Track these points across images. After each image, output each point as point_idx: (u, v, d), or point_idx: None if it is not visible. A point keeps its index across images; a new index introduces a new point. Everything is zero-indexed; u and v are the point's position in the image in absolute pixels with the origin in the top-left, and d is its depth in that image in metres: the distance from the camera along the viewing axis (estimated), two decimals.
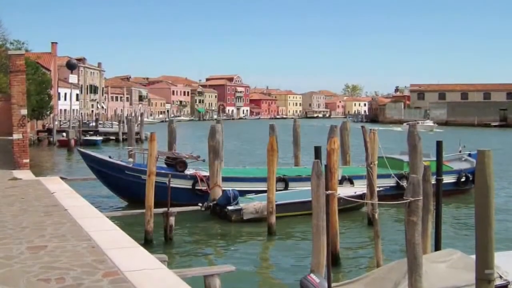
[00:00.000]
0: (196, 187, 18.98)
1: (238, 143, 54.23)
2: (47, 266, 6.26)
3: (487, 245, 6.84)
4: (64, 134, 50.30)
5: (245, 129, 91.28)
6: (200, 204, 17.02)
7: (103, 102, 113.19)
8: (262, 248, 14.70)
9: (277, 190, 16.47)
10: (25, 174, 15.51)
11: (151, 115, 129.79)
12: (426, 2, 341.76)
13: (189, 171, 19.72)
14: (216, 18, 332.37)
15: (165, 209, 14.75)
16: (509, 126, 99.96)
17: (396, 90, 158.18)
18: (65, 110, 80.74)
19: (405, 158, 18.80)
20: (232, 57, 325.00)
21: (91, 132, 57.01)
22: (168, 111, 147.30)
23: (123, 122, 58.41)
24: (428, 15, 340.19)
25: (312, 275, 8.41)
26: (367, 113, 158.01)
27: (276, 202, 15.63)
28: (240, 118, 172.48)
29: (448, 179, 19.94)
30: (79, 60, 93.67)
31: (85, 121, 68.02)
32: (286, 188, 19.45)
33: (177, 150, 23.05)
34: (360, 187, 18.64)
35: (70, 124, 54.45)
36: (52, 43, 77.74)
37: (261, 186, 17.69)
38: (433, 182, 9.95)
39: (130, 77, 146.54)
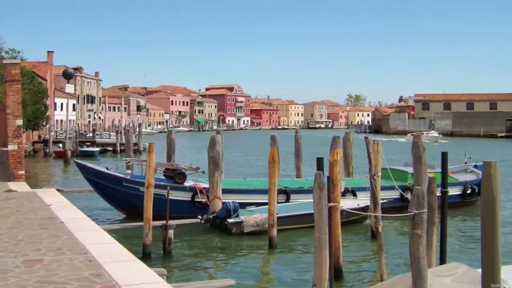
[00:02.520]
0: (196, 199, 18.78)
1: (238, 154, 54.12)
2: (43, 280, 6.20)
3: (494, 259, 6.77)
4: (61, 145, 50.08)
5: (245, 139, 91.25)
6: (199, 217, 16.82)
7: (101, 112, 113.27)
8: (263, 261, 14.49)
9: (278, 203, 16.27)
10: (20, 186, 15.40)
11: (149, 125, 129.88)
12: (429, 11, 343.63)
13: (188, 183, 19.54)
14: (216, 27, 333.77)
15: (164, 221, 14.55)
16: None
17: (400, 100, 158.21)
18: (61, 120, 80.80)
19: (410, 169, 18.67)
20: (232, 67, 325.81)
21: (88, 143, 56.74)
22: (167, 121, 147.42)
23: (120, 133, 58.36)
24: (432, 24, 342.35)
25: None
26: (371, 124, 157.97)
27: (277, 214, 15.42)
28: (241, 129, 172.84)
29: (453, 191, 19.72)
30: (75, 69, 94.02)
31: (82, 131, 67.97)
32: (287, 200, 19.26)
33: (176, 162, 22.92)
34: (363, 199, 18.51)
35: (67, 135, 54.32)
36: (48, 52, 77.94)
37: (262, 198, 17.51)
38: (438, 194, 9.79)
39: (128, 87, 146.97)
